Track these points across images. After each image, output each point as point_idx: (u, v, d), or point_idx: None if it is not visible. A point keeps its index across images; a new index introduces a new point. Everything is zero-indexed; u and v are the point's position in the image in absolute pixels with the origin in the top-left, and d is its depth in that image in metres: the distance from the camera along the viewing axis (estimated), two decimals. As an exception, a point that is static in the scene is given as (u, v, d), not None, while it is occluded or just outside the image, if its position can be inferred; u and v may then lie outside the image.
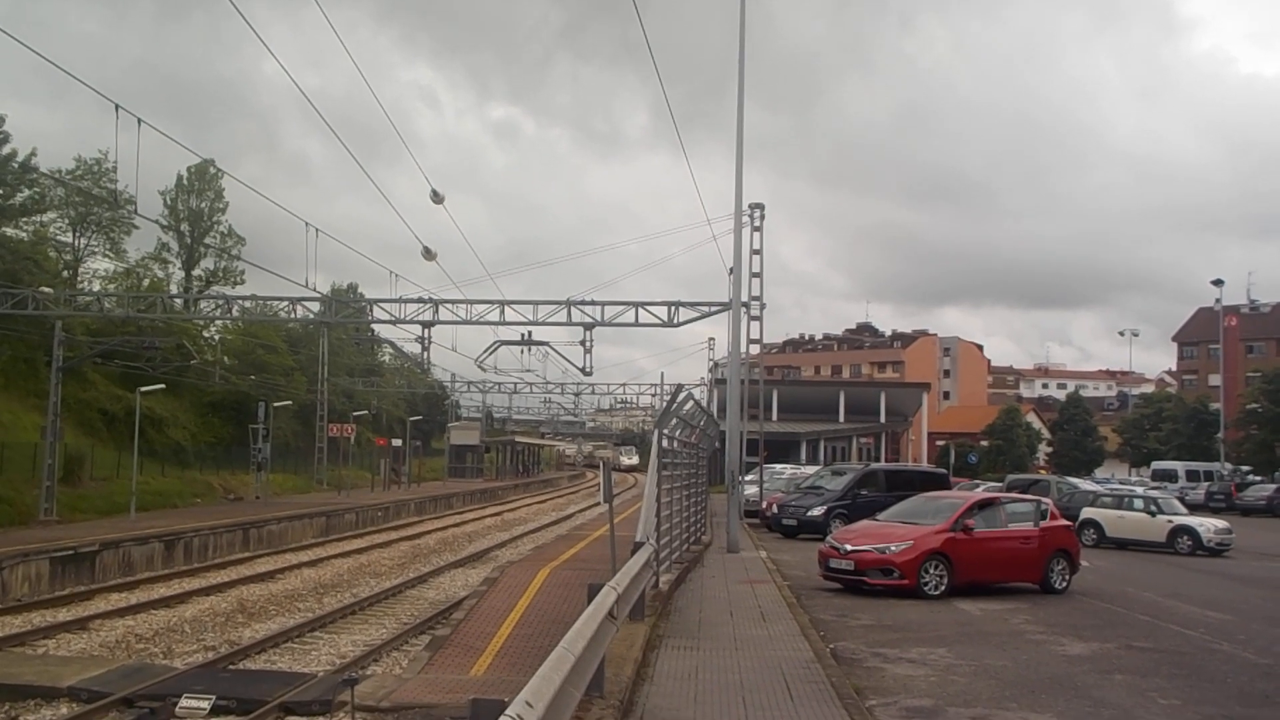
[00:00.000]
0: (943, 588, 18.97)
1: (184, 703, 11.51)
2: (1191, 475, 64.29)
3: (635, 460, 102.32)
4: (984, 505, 20.95)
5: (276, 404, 48.77)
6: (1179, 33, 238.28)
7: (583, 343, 34.22)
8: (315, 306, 37.30)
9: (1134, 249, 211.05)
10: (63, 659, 14.91)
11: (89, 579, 23.67)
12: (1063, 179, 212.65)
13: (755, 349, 35.54)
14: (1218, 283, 71.15)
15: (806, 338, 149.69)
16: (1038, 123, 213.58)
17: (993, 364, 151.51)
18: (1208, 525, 31.82)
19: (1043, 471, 74.19)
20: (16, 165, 42.27)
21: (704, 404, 31.43)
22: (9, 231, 42.80)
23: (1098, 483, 51.58)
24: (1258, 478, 65.98)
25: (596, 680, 9.31)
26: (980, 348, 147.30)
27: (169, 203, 61.85)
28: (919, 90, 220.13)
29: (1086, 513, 33.18)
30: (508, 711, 5.33)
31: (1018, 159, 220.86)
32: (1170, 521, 31.65)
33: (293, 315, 38.05)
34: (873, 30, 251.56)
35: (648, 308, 32.93)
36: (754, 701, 10.33)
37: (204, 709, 11.44)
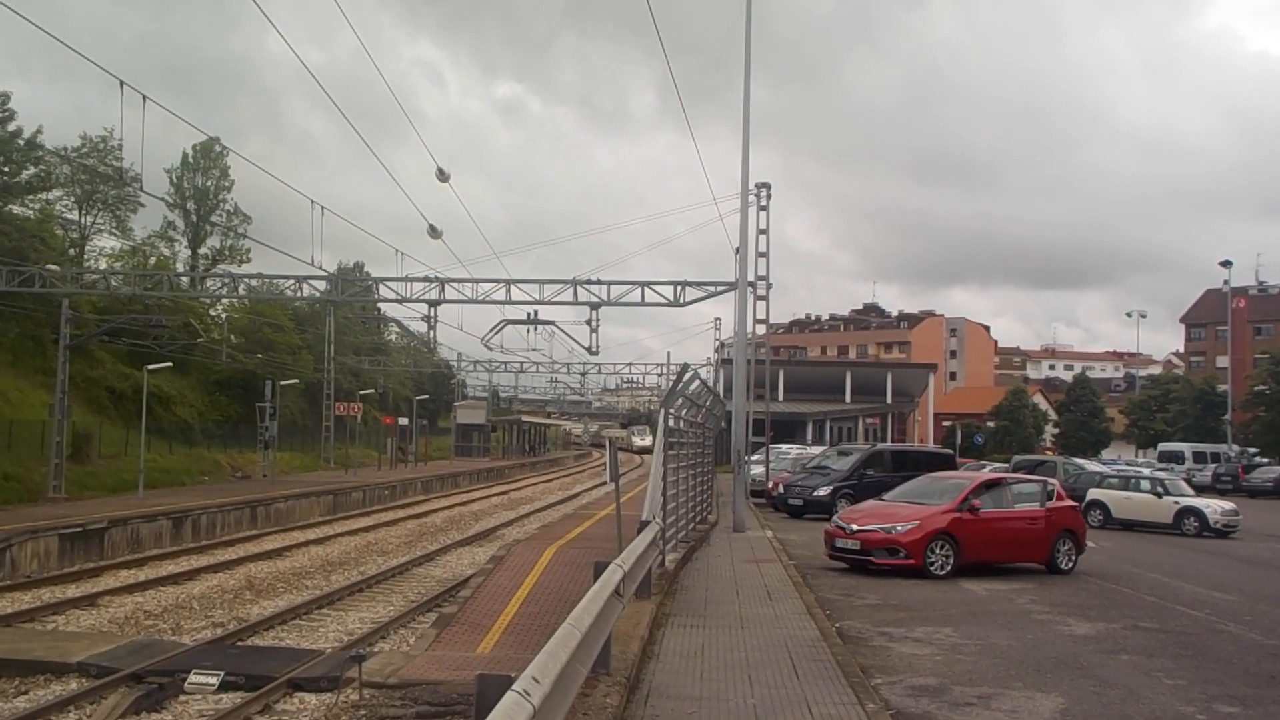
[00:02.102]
0: (949, 568, 18.99)
1: (192, 678, 11.58)
2: (1198, 457, 64.18)
3: (649, 441, 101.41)
4: (990, 486, 20.94)
5: (283, 382, 48.86)
6: (1187, 10, 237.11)
7: (589, 322, 34.15)
8: (321, 285, 37.22)
9: (1142, 229, 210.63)
10: (72, 635, 14.98)
11: (98, 556, 23.77)
12: (1070, 158, 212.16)
13: (761, 329, 35.45)
14: (1226, 264, 70.78)
15: (813, 318, 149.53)
16: (1045, 101, 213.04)
17: (999, 345, 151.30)
18: (1214, 506, 31.78)
19: (1049, 452, 74.18)
20: (22, 143, 42.23)
21: (710, 384, 31.43)
22: (15, 209, 42.81)
23: (1104, 464, 51.51)
24: (1265, 459, 65.89)
25: (603, 657, 9.33)
26: (987, 328, 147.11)
27: (175, 181, 61.98)
28: (927, 68, 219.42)
29: (1093, 494, 33.16)
30: (514, 687, 5.34)
31: (1025, 137, 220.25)
32: (1177, 503, 31.62)
33: (299, 294, 37.98)
34: (881, 6, 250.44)
35: (654, 287, 32.85)
36: (760, 679, 10.35)
37: (212, 685, 11.50)
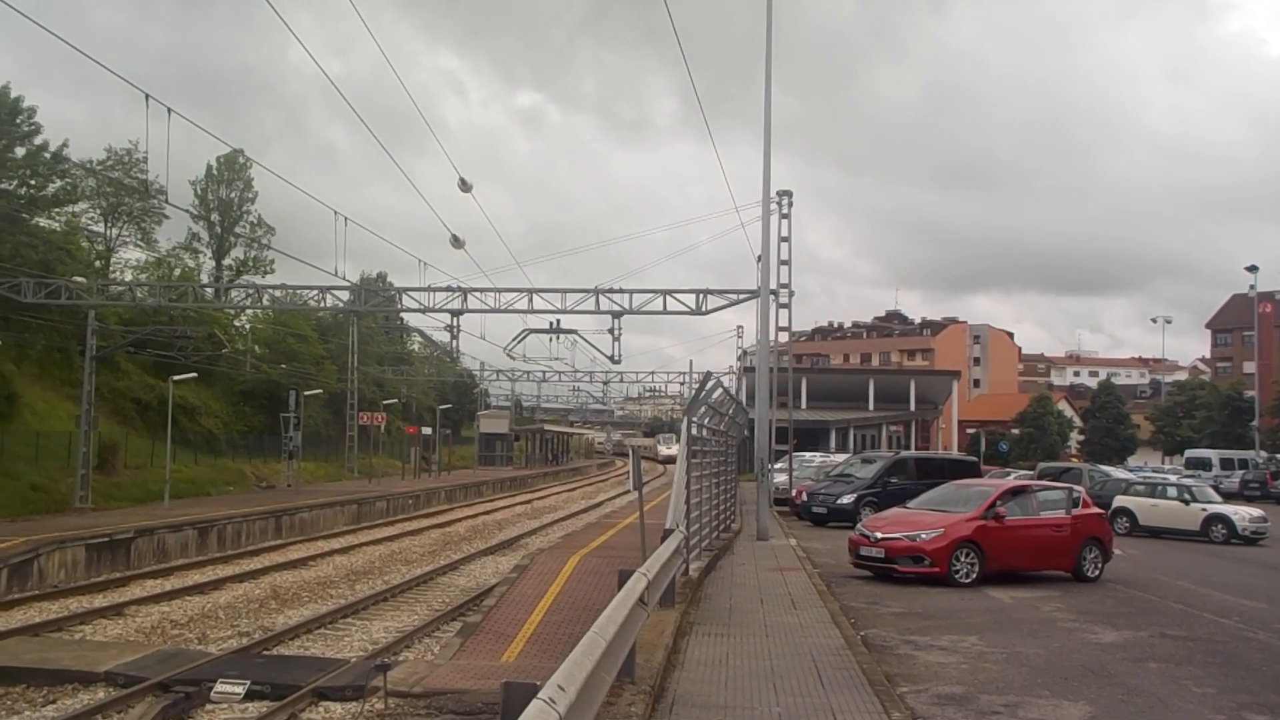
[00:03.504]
0: (974, 575, 18.88)
1: (219, 687, 11.63)
2: (1226, 463, 63.57)
3: (676, 450, 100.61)
4: (1015, 493, 20.83)
5: (307, 392, 49.10)
6: (1210, 14, 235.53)
7: (611, 331, 34.19)
8: (345, 295, 37.43)
9: (1167, 234, 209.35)
10: (99, 644, 15.08)
11: (124, 566, 23.93)
12: (1094, 163, 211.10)
13: (784, 337, 35.43)
14: (1252, 269, 70.27)
15: (835, 325, 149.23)
16: (1068, 105, 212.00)
17: (1023, 351, 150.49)
18: (1242, 513, 31.51)
19: (1074, 459, 73.70)
20: (48, 156, 42.60)
21: (733, 392, 31.38)
22: (42, 222, 43.15)
23: (1130, 471, 51.15)
24: (1293, 466, 65.16)
25: (628, 666, 9.32)
26: (1011, 335, 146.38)
27: (199, 192, 62.33)
28: (948, 74, 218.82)
29: (1119, 501, 32.93)
30: (540, 695, 5.35)
31: (1048, 142, 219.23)
32: (1204, 510, 31.37)
33: (322, 304, 38.19)
34: (902, 12, 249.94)
35: (676, 295, 32.85)
36: (785, 688, 10.33)
37: (239, 694, 11.54)
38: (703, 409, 19.82)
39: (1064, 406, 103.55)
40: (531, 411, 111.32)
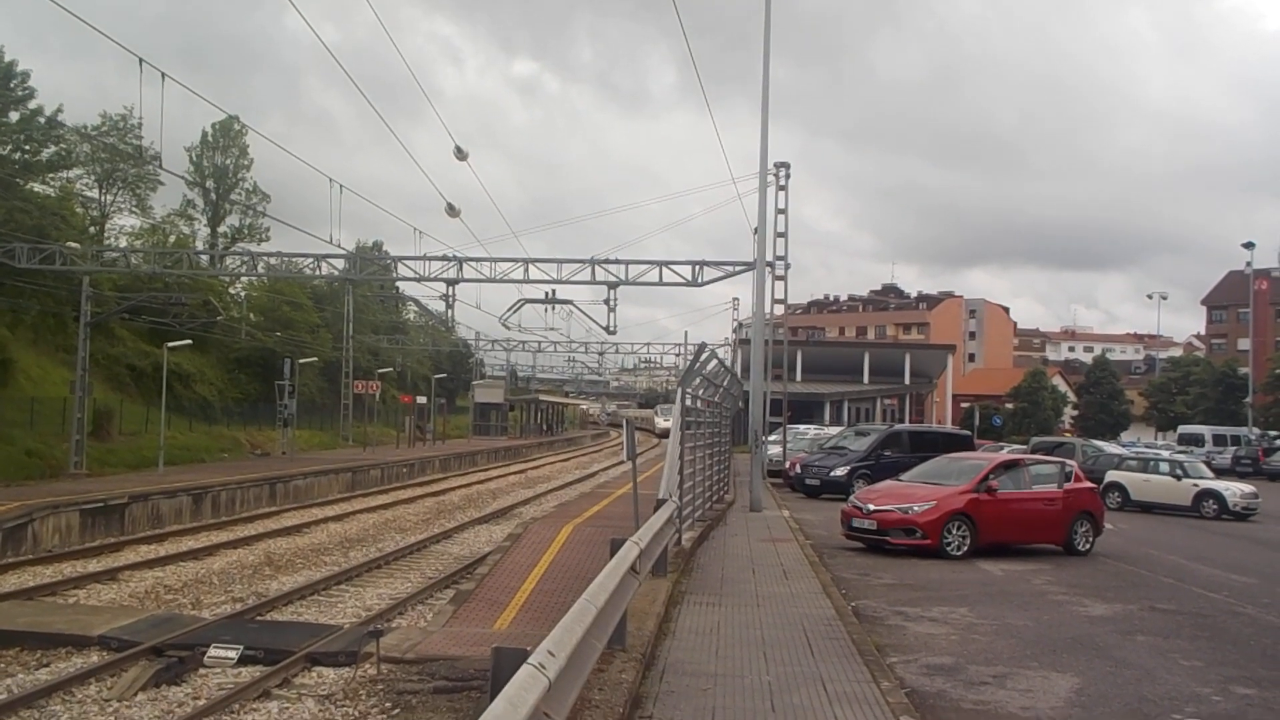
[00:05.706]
0: (965, 548, 18.96)
1: (212, 652, 11.68)
2: (1218, 439, 63.78)
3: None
4: (1008, 466, 20.89)
5: (302, 361, 49.05)
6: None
7: (606, 301, 34.09)
8: (340, 263, 37.34)
9: (1164, 210, 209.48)
10: (93, 608, 15.12)
11: (118, 531, 23.97)
12: (1093, 138, 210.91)
13: (780, 309, 35.29)
14: (1248, 245, 70.20)
15: (831, 298, 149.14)
16: (1069, 82, 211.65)
17: (1019, 326, 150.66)
18: (1234, 489, 31.63)
19: (1068, 434, 73.87)
20: (42, 121, 42.37)
21: (728, 364, 31.37)
22: (36, 188, 42.97)
23: (1123, 446, 51.27)
24: (1285, 443, 65.35)
25: (619, 633, 9.37)
26: (1006, 310, 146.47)
27: (194, 159, 62.14)
28: (950, 48, 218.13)
29: (1111, 475, 33.02)
30: (530, 660, 5.37)
31: (1048, 118, 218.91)
32: (1196, 485, 31.47)
33: (318, 272, 38.12)
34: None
35: (672, 267, 32.78)
36: (775, 657, 10.38)
37: (232, 658, 11.59)
38: (697, 380, 19.84)
39: (1058, 382, 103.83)
40: (526, 382, 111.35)
